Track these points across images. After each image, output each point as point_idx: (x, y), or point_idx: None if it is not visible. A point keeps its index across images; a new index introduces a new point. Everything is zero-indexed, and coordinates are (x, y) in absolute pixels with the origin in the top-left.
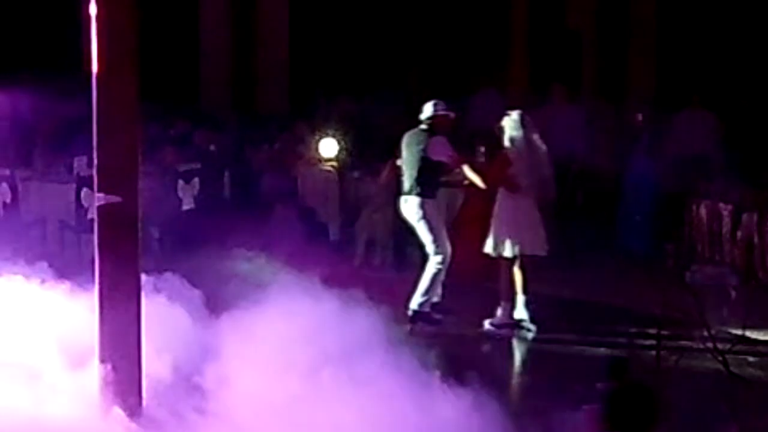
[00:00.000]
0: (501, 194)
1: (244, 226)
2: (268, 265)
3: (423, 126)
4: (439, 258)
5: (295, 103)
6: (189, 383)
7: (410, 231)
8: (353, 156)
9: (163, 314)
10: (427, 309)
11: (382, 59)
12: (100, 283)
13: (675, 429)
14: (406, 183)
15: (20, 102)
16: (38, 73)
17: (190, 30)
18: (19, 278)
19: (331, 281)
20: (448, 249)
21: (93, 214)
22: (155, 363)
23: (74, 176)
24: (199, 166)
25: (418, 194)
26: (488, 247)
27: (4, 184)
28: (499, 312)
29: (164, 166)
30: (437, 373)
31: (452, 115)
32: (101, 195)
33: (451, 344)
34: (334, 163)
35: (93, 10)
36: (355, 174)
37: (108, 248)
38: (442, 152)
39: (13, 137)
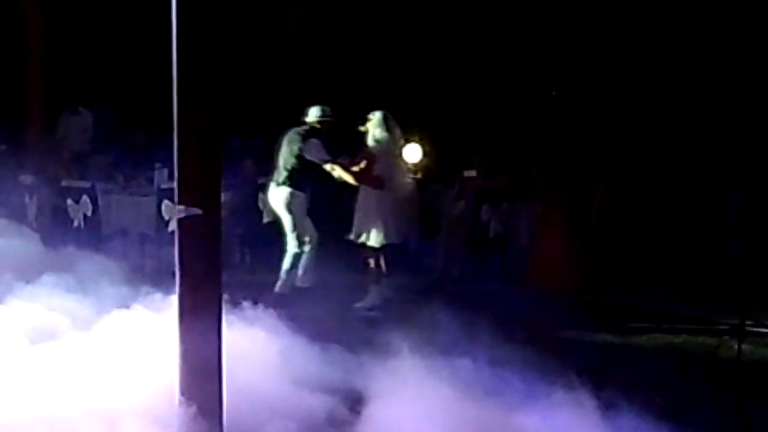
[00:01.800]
0: (364, 189)
1: (326, 238)
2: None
3: (305, 127)
4: (296, 244)
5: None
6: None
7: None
8: (435, 167)
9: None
10: (286, 291)
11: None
12: (181, 296)
13: None
14: (280, 176)
15: (102, 115)
16: (120, 86)
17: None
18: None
19: (409, 293)
20: (312, 237)
21: (174, 226)
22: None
23: (155, 189)
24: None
25: (289, 186)
26: (353, 236)
27: (86, 197)
28: (368, 295)
29: (247, 178)
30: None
31: (333, 120)
32: (182, 207)
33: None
34: (416, 174)
35: (174, 21)
36: (436, 186)
37: (189, 261)
38: (315, 153)
39: (94, 150)
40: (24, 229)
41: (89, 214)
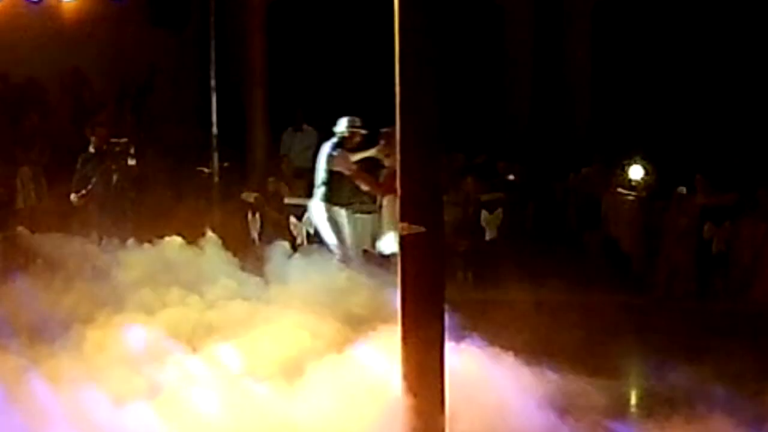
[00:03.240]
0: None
1: (548, 255)
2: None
3: (334, 139)
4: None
5: (599, 133)
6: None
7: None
8: (658, 184)
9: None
10: None
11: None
12: (404, 313)
13: None
14: (316, 189)
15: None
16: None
17: (494, 66)
18: None
19: (629, 311)
20: (348, 252)
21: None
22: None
23: (378, 207)
24: (502, 196)
25: (322, 199)
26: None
27: (308, 214)
28: None
29: (467, 196)
30: None
31: (363, 131)
32: (405, 225)
33: None
34: (639, 192)
35: (397, 48)
36: (659, 203)
37: (412, 277)
38: (342, 164)
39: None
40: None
41: (311, 230)
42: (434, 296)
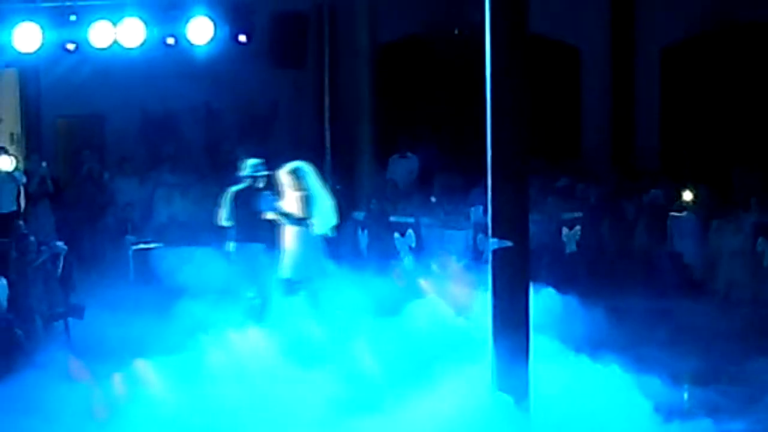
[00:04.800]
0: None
1: (620, 266)
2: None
3: (246, 182)
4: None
5: (665, 160)
6: None
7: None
8: (713, 204)
9: None
10: None
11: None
12: (494, 315)
13: None
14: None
15: (426, 159)
16: (441, 135)
17: (572, 95)
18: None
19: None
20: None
21: (488, 256)
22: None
23: (471, 223)
24: (580, 215)
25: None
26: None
27: (411, 230)
28: None
29: (550, 214)
30: None
31: (266, 173)
32: (495, 240)
33: None
34: (699, 211)
35: (488, 74)
36: (716, 222)
37: (501, 286)
38: (267, 204)
39: (419, 189)
40: None
41: (413, 245)
42: (520, 302)
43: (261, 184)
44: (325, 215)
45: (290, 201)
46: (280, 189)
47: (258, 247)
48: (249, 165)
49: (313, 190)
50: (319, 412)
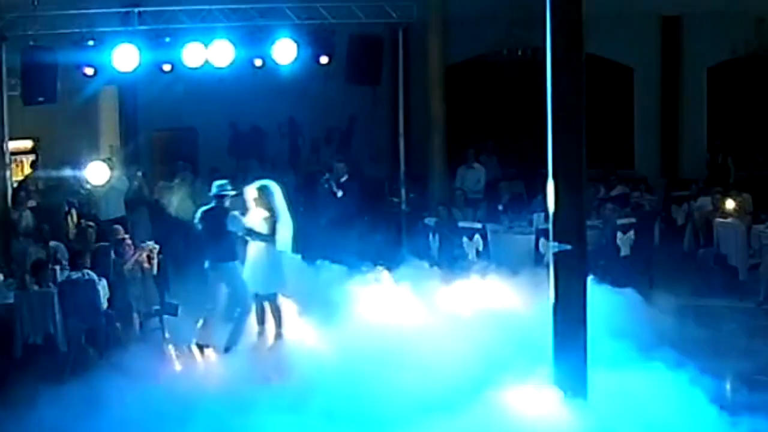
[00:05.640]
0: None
1: (671, 268)
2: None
3: (215, 202)
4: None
5: (712, 169)
6: None
7: None
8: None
9: None
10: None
11: None
12: (554, 315)
13: None
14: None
15: (492, 168)
16: (506, 146)
17: (625, 110)
18: None
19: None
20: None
21: (549, 259)
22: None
23: (533, 229)
24: (634, 220)
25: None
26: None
27: (477, 235)
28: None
29: (606, 220)
30: None
31: (233, 193)
32: (555, 243)
33: None
34: (743, 217)
35: (549, 91)
36: (760, 227)
37: (562, 285)
38: (237, 224)
39: (485, 197)
40: None
41: (480, 249)
42: (578, 301)
43: (227, 203)
44: (286, 233)
45: (256, 218)
46: (247, 207)
47: (230, 265)
48: (215, 185)
49: (277, 209)
50: (400, 411)
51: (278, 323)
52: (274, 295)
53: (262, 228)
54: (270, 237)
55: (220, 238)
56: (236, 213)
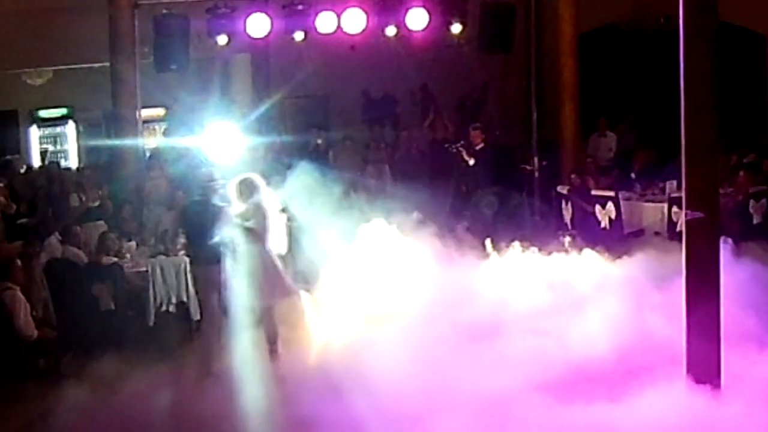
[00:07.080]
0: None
1: None
2: None
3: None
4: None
5: None
6: None
7: None
8: None
9: None
10: None
11: None
12: (687, 284)
13: None
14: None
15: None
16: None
17: (758, 79)
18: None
19: None
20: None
21: (681, 227)
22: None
23: (666, 196)
24: (767, 188)
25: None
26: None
27: (610, 203)
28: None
29: (738, 187)
30: None
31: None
32: (688, 211)
33: None
34: None
35: (682, 59)
36: None
37: (694, 254)
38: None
39: (617, 165)
40: None
41: (613, 217)
42: (712, 266)
43: (213, 196)
44: (277, 233)
45: (242, 215)
46: (231, 201)
47: (213, 268)
48: (206, 176)
49: (264, 205)
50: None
51: (272, 339)
52: (271, 307)
53: (251, 226)
54: (259, 238)
55: (203, 234)
56: (223, 206)
